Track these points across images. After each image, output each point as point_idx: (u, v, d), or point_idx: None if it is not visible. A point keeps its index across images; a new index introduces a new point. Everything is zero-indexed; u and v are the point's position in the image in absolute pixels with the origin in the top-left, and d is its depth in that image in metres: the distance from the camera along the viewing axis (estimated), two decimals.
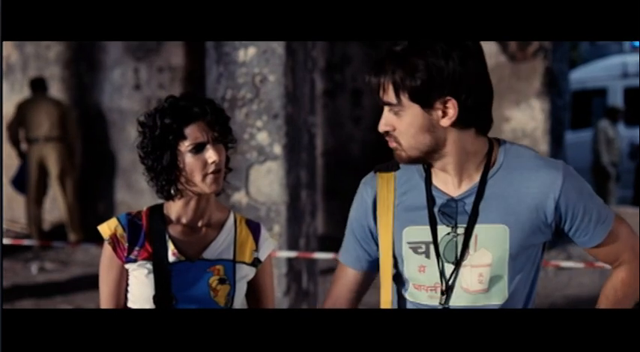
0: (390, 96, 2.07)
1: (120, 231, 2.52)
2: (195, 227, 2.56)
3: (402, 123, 2.08)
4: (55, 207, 9.52)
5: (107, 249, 2.53)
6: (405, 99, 2.05)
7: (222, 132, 2.49)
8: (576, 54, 18.23)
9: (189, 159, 2.45)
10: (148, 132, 2.49)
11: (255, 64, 5.86)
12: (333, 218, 9.60)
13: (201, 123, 2.45)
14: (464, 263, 2.11)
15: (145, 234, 2.52)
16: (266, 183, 5.91)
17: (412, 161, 2.13)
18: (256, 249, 2.61)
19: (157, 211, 2.56)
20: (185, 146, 2.45)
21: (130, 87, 9.63)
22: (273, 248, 2.67)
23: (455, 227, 2.12)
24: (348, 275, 2.31)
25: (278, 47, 5.83)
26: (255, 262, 2.61)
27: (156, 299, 2.46)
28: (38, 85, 9.25)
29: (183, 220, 2.55)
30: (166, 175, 2.47)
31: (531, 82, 8.66)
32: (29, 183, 9.20)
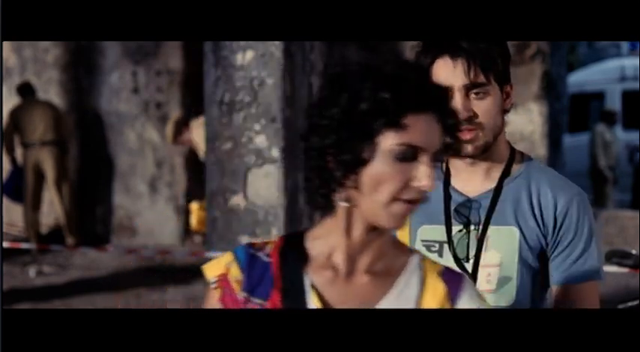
0: (479, 77, 2.11)
1: (235, 271, 1.65)
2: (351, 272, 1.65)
3: (485, 103, 2.12)
4: (53, 211, 9.51)
5: (211, 297, 1.67)
6: (492, 79, 2.12)
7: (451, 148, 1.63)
8: (574, 57, 18.25)
9: (385, 165, 1.56)
10: (336, 99, 1.61)
11: (254, 68, 5.87)
12: None
13: (433, 117, 1.56)
14: (474, 262, 2.14)
15: (274, 279, 1.64)
16: (264, 186, 5.91)
17: (485, 148, 2.14)
18: None
19: (294, 244, 1.67)
20: (390, 141, 1.55)
21: (128, 90, 9.63)
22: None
23: (468, 226, 2.15)
24: None
25: (276, 51, 5.83)
26: None
27: None
28: (26, 91, 9.24)
29: (337, 259, 1.64)
30: (345, 170, 1.60)
31: (529, 85, 8.66)
32: (26, 187, 9.18)
